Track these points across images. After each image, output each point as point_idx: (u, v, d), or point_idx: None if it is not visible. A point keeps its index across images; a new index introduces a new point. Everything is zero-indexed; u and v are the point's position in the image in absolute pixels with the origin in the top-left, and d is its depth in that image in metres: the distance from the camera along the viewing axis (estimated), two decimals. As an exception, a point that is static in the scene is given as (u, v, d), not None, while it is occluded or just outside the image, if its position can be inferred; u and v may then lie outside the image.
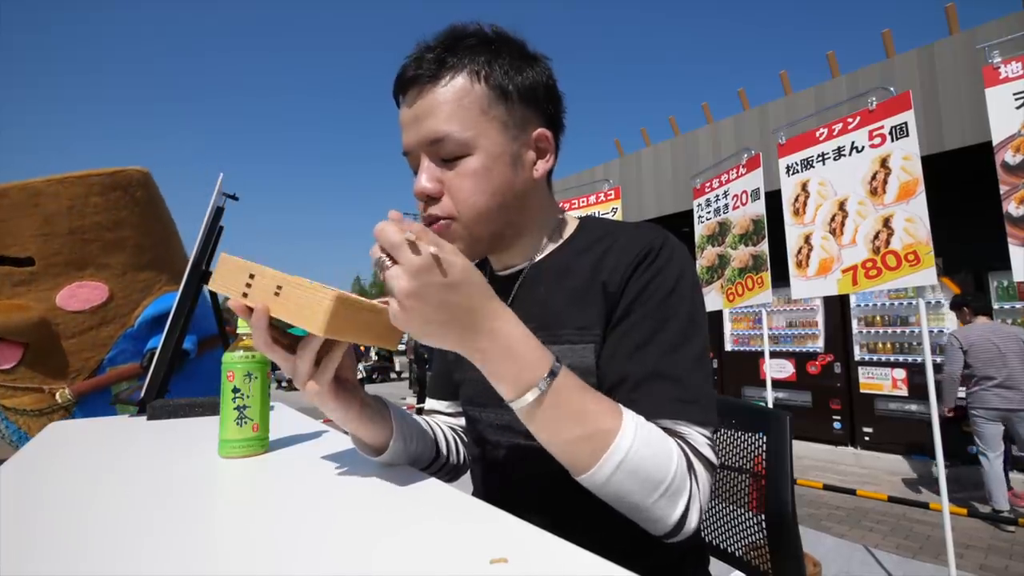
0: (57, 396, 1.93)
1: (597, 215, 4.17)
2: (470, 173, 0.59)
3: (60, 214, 1.97)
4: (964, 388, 3.51)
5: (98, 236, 2.06)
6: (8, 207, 1.93)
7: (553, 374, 0.48)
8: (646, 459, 0.49)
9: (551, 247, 0.70)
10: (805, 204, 2.90)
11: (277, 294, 0.48)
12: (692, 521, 0.51)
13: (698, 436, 0.54)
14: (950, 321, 4.48)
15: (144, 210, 2.21)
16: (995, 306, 4.33)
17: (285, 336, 0.54)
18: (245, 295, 0.50)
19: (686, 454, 0.52)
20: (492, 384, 0.50)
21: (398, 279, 0.43)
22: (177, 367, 1.98)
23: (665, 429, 0.53)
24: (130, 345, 2.08)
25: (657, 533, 0.52)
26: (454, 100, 0.58)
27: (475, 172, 0.59)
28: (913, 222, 2.37)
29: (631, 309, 0.59)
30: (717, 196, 3.82)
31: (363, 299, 0.50)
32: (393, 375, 15.11)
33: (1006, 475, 3.51)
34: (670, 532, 0.51)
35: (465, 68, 0.59)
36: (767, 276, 3.28)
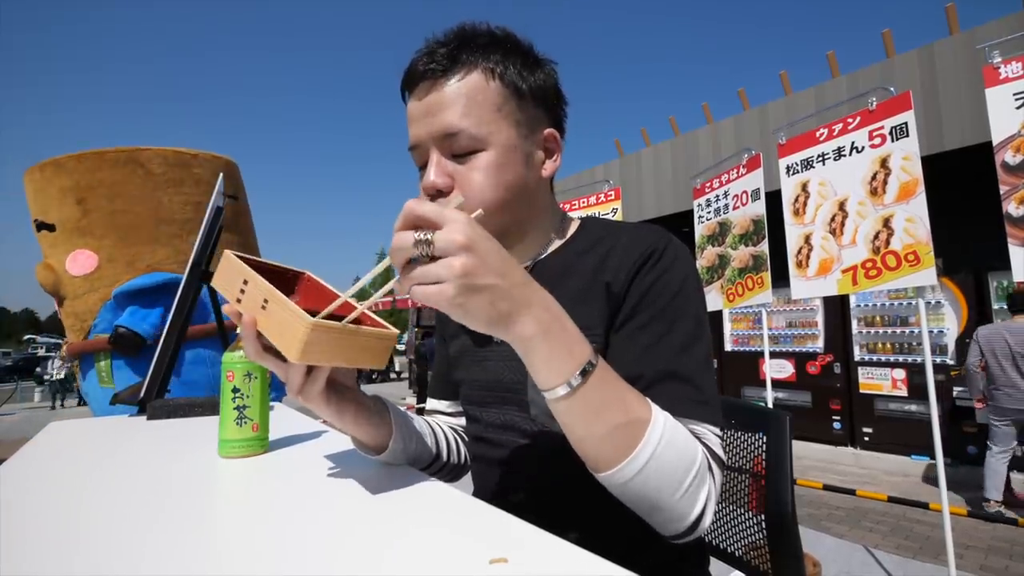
0: (63, 350, 2.27)
1: (597, 215, 4.17)
2: (482, 167, 0.59)
3: (73, 186, 2.19)
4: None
5: (97, 207, 2.21)
6: (43, 179, 2.22)
7: (591, 366, 0.46)
8: (676, 449, 0.48)
9: (553, 247, 0.70)
10: (805, 204, 2.90)
11: (264, 307, 0.48)
12: (707, 519, 0.51)
13: (712, 436, 0.54)
14: (950, 321, 4.48)
15: (159, 185, 2.26)
16: (995, 306, 4.33)
17: None
18: (239, 300, 0.50)
19: (704, 452, 0.52)
20: (532, 367, 0.46)
21: (452, 233, 0.39)
22: (135, 353, 2.09)
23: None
24: (110, 315, 2.18)
25: (673, 532, 0.51)
26: (469, 95, 0.58)
27: (487, 166, 0.59)
28: (913, 222, 2.37)
29: (637, 310, 0.59)
30: (717, 196, 3.82)
31: (344, 324, 0.48)
32: (393, 375, 15.10)
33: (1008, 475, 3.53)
34: (687, 530, 0.50)
35: (479, 65, 0.59)
36: (767, 276, 3.27)
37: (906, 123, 2.44)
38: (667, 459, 0.47)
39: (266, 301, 0.48)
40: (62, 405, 11.68)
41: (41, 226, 2.21)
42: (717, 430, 0.55)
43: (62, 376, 11.41)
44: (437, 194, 0.59)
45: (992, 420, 3.44)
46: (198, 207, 2.35)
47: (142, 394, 1.30)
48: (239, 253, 0.53)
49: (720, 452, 0.54)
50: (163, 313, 2.11)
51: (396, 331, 0.54)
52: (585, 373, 0.45)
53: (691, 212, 4.12)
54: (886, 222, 2.47)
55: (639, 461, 0.47)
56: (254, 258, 0.55)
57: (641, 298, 0.59)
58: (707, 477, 0.51)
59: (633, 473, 0.47)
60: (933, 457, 2.37)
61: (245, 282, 0.50)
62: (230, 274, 0.51)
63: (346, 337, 0.48)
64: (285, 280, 0.61)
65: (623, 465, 0.47)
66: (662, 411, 0.50)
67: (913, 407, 4.50)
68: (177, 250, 2.29)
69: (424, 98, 0.59)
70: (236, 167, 2.56)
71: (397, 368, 15.28)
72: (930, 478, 4.12)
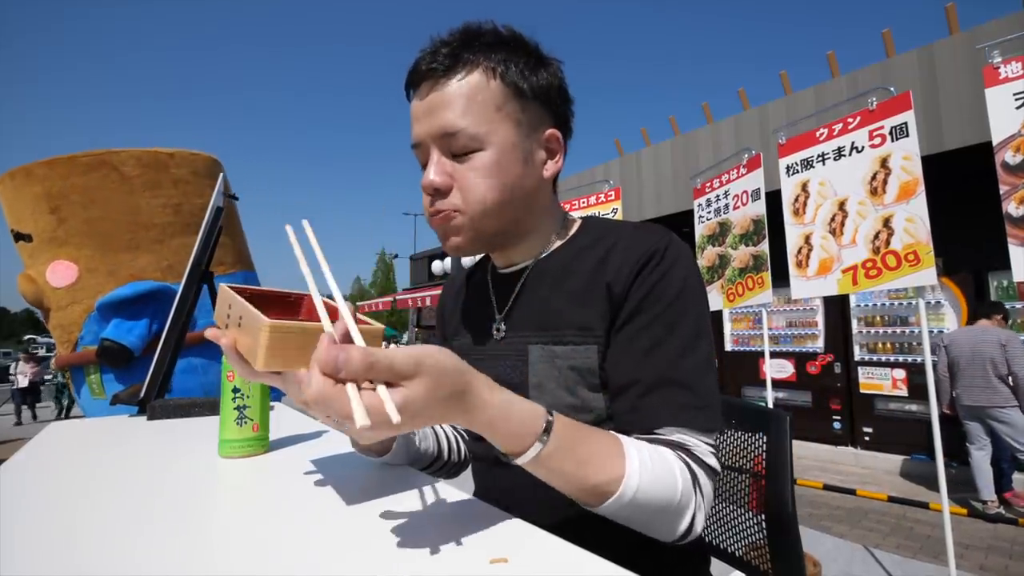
0: (51, 363, 2.15)
1: (597, 215, 4.17)
2: (481, 167, 0.59)
3: (45, 194, 2.09)
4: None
5: (72, 215, 2.12)
6: (14, 188, 2.12)
7: (543, 441, 0.46)
8: (652, 494, 0.49)
9: (554, 247, 0.70)
10: (805, 204, 2.90)
11: (240, 325, 0.46)
12: (697, 528, 0.52)
13: (702, 445, 0.54)
14: (950, 321, 4.49)
15: (135, 189, 2.16)
16: (995, 306, 4.33)
17: None
18: (227, 325, 0.49)
19: (691, 469, 0.52)
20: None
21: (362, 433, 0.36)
22: (123, 365, 2.02)
23: (671, 439, 0.54)
24: (95, 327, 2.12)
25: (662, 540, 0.53)
26: (468, 95, 0.58)
27: (486, 166, 0.59)
28: (913, 222, 2.37)
29: (638, 312, 0.59)
30: (717, 196, 3.81)
31: (307, 324, 0.44)
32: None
33: (1006, 474, 3.54)
34: (677, 540, 0.52)
35: (480, 64, 0.59)
36: (767, 276, 3.27)
37: (906, 123, 2.44)
38: (646, 497, 0.49)
39: (241, 318, 0.46)
40: (33, 417, 9.17)
41: (18, 236, 2.13)
42: (709, 437, 0.55)
43: (25, 385, 9.27)
44: (435, 192, 0.60)
45: (963, 419, 3.60)
46: (178, 210, 2.25)
47: (142, 394, 1.30)
48: (235, 285, 0.51)
49: (711, 460, 0.54)
50: (149, 324, 2.06)
51: (381, 326, 0.49)
52: (543, 442, 0.46)
53: (691, 212, 4.12)
54: (886, 222, 2.47)
55: (618, 504, 0.48)
56: (257, 288, 0.53)
57: (642, 300, 0.59)
58: (692, 495, 0.51)
59: (614, 512, 0.49)
60: (933, 457, 2.37)
61: (230, 307, 0.48)
62: (223, 306, 0.50)
63: (313, 338, 0.43)
64: (287, 304, 0.57)
65: (603, 507, 0.49)
66: (638, 452, 0.50)
67: (913, 407, 4.50)
68: (159, 256, 2.20)
69: (425, 97, 0.60)
70: (219, 165, 2.43)
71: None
72: (930, 478, 4.12)
